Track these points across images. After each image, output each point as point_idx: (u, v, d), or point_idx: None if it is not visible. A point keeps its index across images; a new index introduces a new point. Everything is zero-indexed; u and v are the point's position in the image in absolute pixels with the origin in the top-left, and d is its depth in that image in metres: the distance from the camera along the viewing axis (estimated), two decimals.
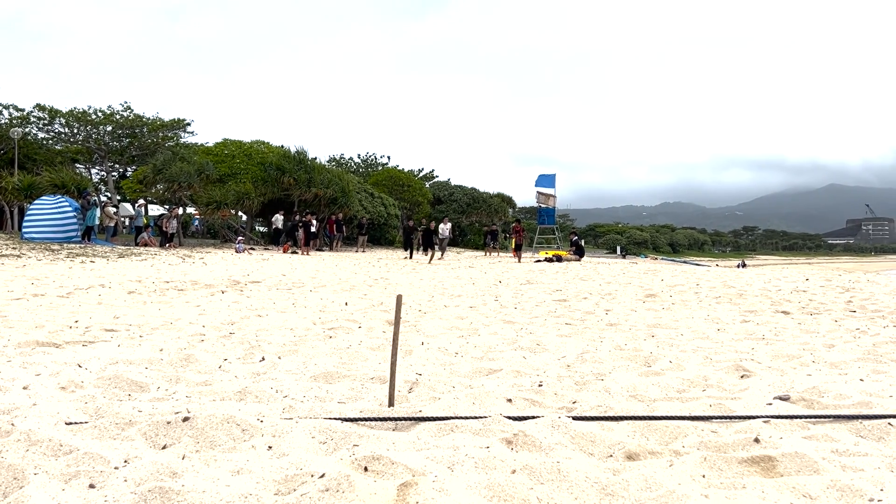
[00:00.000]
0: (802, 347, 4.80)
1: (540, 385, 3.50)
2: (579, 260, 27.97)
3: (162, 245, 24.03)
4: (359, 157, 60.24)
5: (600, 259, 38.30)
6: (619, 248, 79.17)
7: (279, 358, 4.15)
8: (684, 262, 60.51)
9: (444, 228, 26.58)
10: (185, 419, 2.53)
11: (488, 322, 6.39)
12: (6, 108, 37.86)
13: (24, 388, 3.11)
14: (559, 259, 26.85)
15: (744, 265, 51.75)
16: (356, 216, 35.06)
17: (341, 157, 58.98)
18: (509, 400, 3.13)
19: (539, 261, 26.70)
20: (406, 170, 55.48)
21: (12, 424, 2.45)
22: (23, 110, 38.92)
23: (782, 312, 7.23)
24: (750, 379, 3.69)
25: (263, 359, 4.09)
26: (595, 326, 6.14)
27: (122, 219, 26.56)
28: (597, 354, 4.47)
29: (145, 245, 23.63)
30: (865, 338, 5.26)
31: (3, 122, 37.61)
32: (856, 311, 7.35)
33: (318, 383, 3.46)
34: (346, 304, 8.01)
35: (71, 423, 2.56)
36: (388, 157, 60.80)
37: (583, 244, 32.11)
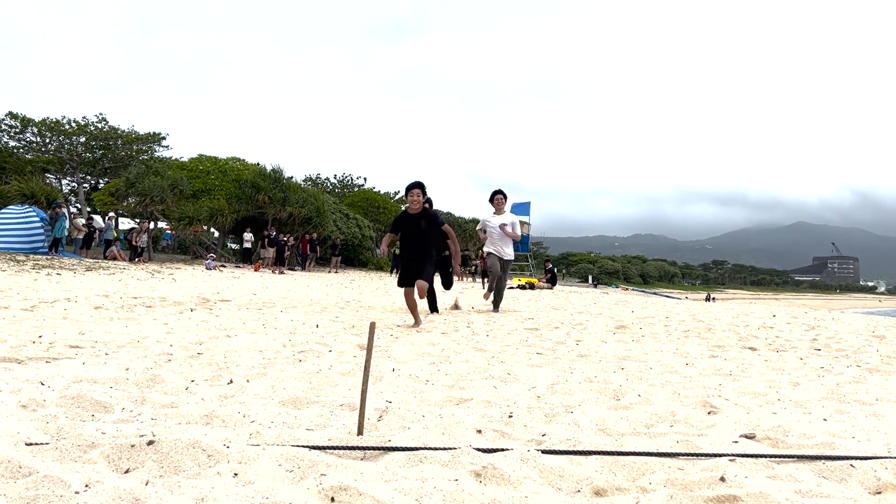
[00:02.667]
0: (768, 385, 4.86)
1: (510, 416, 3.50)
2: (552, 288, 28.13)
3: (131, 259, 23.70)
4: (335, 178, 60.30)
5: (572, 288, 38.55)
6: (590, 278, 79.81)
7: (247, 381, 4.11)
8: (654, 293, 61.15)
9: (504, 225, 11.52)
10: (150, 443, 2.49)
11: (460, 349, 6.38)
12: None
13: None
14: (532, 286, 26.99)
15: (712, 299, 52.44)
16: (330, 236, 34.95)
17: (317, 177, 58.95)
18: (479, 431, 3.12)
19: (512, 287, 26.82)
20: (382, 192, 55.58)
21: None
22: None
23: (749, 349, 7.33)
24: (717, 416, 3.73)
25: (231, 381, 4.04)
26: (566, 357, 6.16)
27: (93, 229, 26.14)
28: (567, 386, 4.49)
29: (114, 259, 23.28)
30: (829, 377, 5.34)
31: None
32: (820, 349, 7.47)
33: (286, 409, 3.42)
34: (318, 326, 7.96)
35: (31, 444, 2.50)
36: (364, 179, 60.89)
37: (556, 272, 32.31)
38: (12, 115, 39.00)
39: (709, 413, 3.80)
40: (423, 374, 4.71)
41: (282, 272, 25.49)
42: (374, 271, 38.53)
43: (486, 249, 11.82)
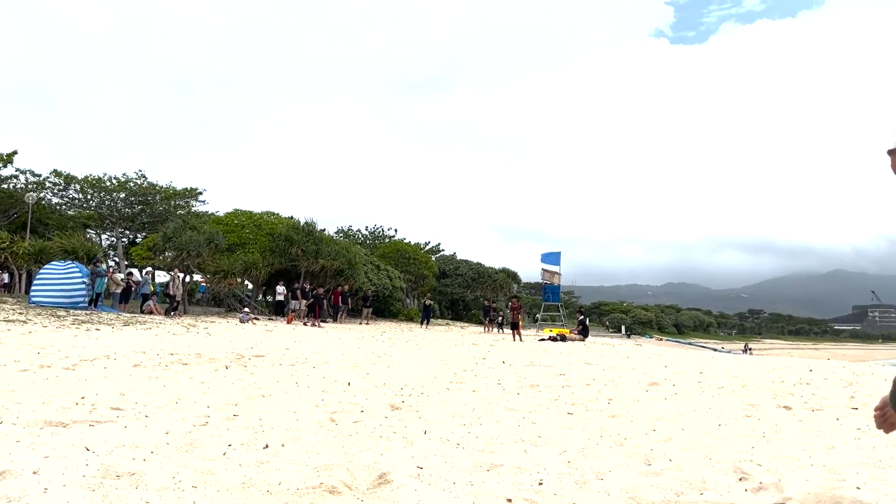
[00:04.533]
0: (802, 448, 4.81)
1: (540, 483, 3.53)
2: (583, 340, 27.87)
3: (167, 313, 24.12)
4: (366, 229, 60.91)
5: (604, 339, 38.12)
6: (623, 328, 78.83)
7: (283, 445, 4.20)
8: (689, 343, 60.12)
9: None
10: None
11: (491, 409, 6.41)
12: (23, 172, 38.68)
13: (34, 472, 3.18)
14: (563, 338, 26.80)
15: (749, 350, 51.46)
16: (361, 288, 35.20)
17: (349, 229, 59.63)
18: (509, 500, 3.17)
19: (543, 339, 26.65)
20: (412, 242, 55.99)
21: None
22: (39, 175, 39.74)
23: (784, 407, 7.23)
24: (748, 482, 3.72)
25: (267, 446, 4.14)
26: (597, 417, 6.16)
27: (132, 284, 26.69)
28: (597, 450, 4.50)
29: (150, 313, 23.74)
30: (866, 439, 5.27)
31: (18, 186, 38.36)
32: (858, 408, 7.34)
33: (320, 475, 3.50)
34: (349, 384, 8.04)
35: None
36: (395, 230, 61.36)
37: (588, 323, 32.03)
38: (57, 174, 40.42)
39: (740, 479, 3.79)
40: (453, 437, 4.76)
41: (315, 325, 25.74)
42: (404, 322, 38.56)
43: None
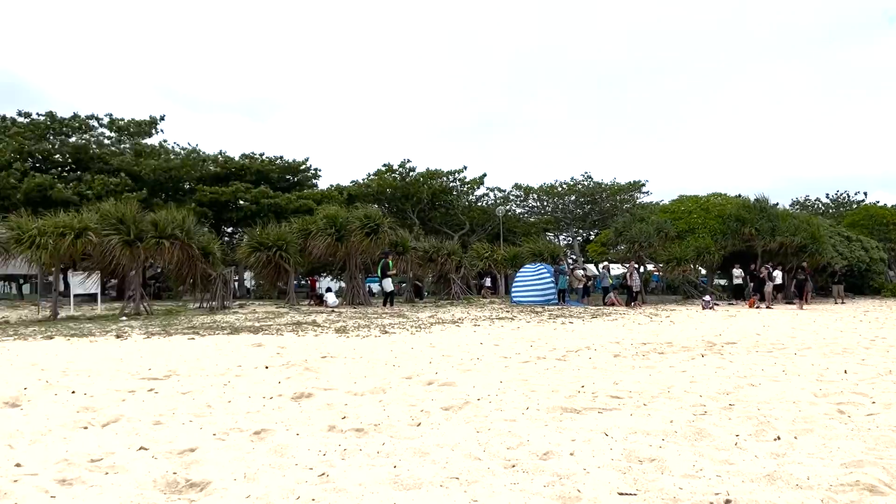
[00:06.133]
0: None
1: None
2: None
3: (627, 304, 25.15)
4: (826, 197, 54.64)
5: None
6: None
7: (795, 438, 4.00)
8: None
9: None
10: (727, 502, 2.63)
11: None
12: (491, 190, 44.66)
13: (571, 454, 3.61)
14: None
15: None
16: (830, 263, 31.64)
17: (805, 200, 54.28)
18: None
19: None
20: (888, 205, 48.22)
21: (579, 491, 2.87)
22: (504, 191, 45.46)
23: None
24: None
25: (779, 438, 3.99)
26: None
27: (589, 278, 28.71)
28: None
29: (612, 305, 25.04)
30: None
31: (490, 203, 44.39)
32: None
33: (852, 472, 3.23)
34: (845, 371, 7.27)
35: (623, 494, 2.88)
36: (865, 194, 53.58)
37: None
38: (517, 186, 45.79)
39: None
40: None
41: (800, 306, 24.05)
42: (890, 298, 33.33)
43: None
